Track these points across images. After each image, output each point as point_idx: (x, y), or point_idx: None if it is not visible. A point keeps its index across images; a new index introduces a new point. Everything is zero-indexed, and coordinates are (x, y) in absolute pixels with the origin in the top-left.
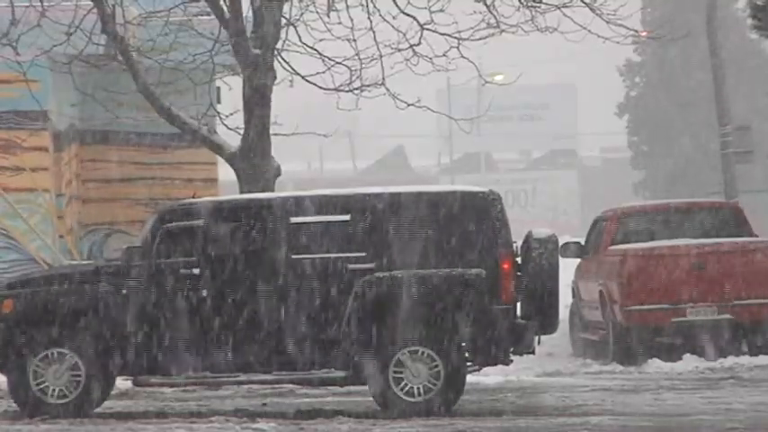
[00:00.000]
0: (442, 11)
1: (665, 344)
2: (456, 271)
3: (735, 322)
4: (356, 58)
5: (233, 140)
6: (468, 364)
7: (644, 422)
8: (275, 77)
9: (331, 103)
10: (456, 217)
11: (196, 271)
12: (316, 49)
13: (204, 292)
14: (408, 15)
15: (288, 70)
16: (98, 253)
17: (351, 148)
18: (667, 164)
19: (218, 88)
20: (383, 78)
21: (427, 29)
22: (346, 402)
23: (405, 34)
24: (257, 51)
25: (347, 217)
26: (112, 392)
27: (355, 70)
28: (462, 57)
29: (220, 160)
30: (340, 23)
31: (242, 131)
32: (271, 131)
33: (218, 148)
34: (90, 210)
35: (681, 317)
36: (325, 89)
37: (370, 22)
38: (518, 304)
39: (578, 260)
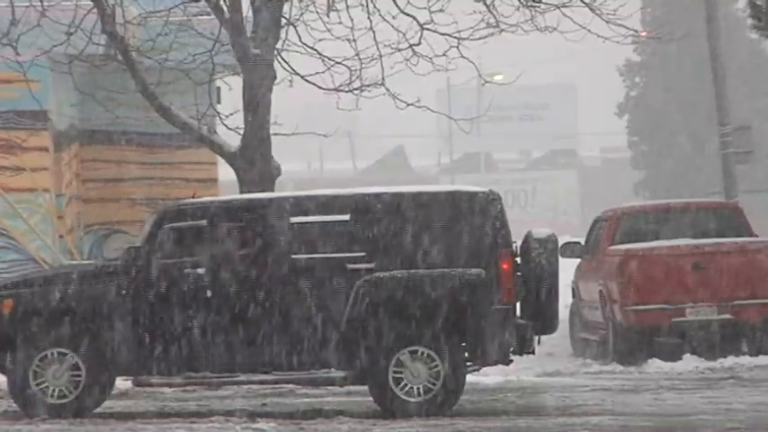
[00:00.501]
0: (441, 11)
1: (665, 344)
2: (456, 271)
3: (735, 322)
4: (356, 58)
5: (233, 140)
6: (468, 364)
7: (644, 422)
8: (275, 77)
9: (331, 103)
10: (456, 217)
11: (200, 271)
12: (315, 49)
13: (208, 293)
14: (408, 15)
15: (288, 70)
16: (98, 253)
17: (351, 148)
18: (667, 164)
19: (218, 88)
20: (383, 78)
21: (427, 29)
22: (346, 402)
23: (405, 34)
24: (257, 51)
25: (347, 217)
26: (112, 392)
27: (355, 70)
28: (462, 57)
29: (220, 160)
30: (340, 23)
31: (242, 131)
32: (271, 131)
33: (218, 148)
34: (90, 210)
35: (681, 317)
36: (325, 89)
37: (370, 22)
38: (518, 304)
39: (578, 260)
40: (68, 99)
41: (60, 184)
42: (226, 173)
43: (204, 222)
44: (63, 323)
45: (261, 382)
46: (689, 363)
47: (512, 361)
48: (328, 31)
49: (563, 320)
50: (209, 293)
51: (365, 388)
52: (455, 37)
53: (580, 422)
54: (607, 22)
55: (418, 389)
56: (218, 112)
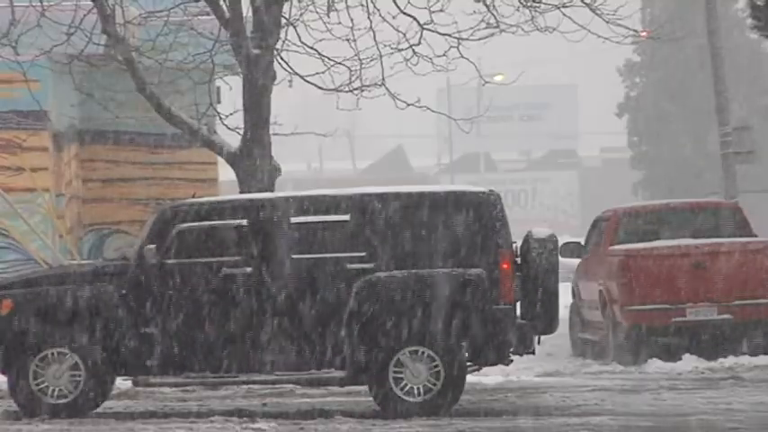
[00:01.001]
0: (441, 11)
1: (665, 344)
2: (456, 271)
3: (735, 322)
4: (356, 58)
5: (233, 140)
6: (468, 364)
7: (644, 422)
8: (275, 77)
9: (331, 103)
10: (456, 217)
11: (207, 270)
12: (315, 49)
13: (210, 292)
14: (408, 15)
15: (288, 70)
16: (98, 253)
17: (350, 148)
18: (667, 164)
19: (219, 88)
20: (383, 78)
21: (427, 29)
22: (346, 402)
23: (405, 34)
24: (257, 51)
25: (346, 217)
26: (112, 392)
27: (355, 70)
28: (462, 57)
29: (220, 160)
30: (340, 23)
31: (242, 131)
32: (271, 131)
33: (218, 148)
34: (90, 210)
35: (681, 317)
36: (324, 89)
37: (370, 22)
38: (518, 304)
39: (577, 260)
40: (68, 99)
41: (60, 184)
42: (226, 173)
43: (207, 224)
44: (63, 323)
45: (261, 382)
46: (689, 363)
47: (512, 361)
48: (328, 31)
49: (563, 320)
50: (214, 293)
51: (365, 388)
52: (455, 37)
53: (580, 422)
54: (607, 22)
55: (418, 389)
56: (218, 112)
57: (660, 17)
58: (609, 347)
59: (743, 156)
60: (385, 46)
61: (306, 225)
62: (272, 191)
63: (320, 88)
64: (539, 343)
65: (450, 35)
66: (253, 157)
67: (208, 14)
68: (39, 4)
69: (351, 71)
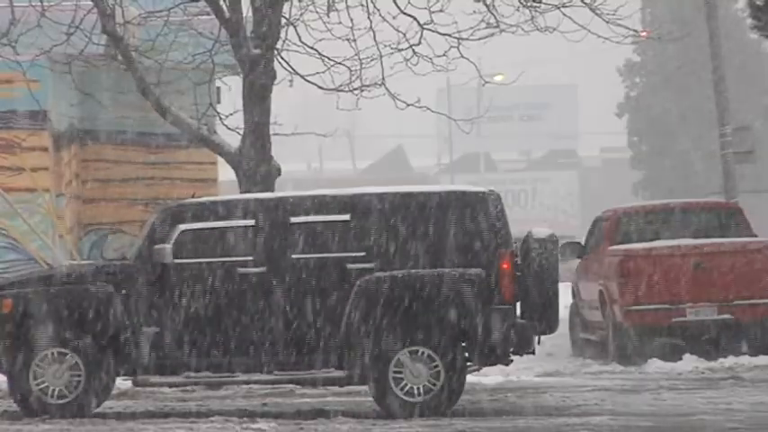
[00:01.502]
0: (441, 11)
1: (665, 344)
2: (456, 271)
3: (735, 322)
4: (356, 58)
5: (233, 140)
6: (468, 364)
7: (644, 422)
8: (275, 77)
9: (331, 103)
10: (456, 217)
11: (209, 270)
12: (316, 49)
13: (212, 292)
14: (408, 15)
15: (288, 70)
16: (98, 253)
17: (351, 148)
18: (667, 164)
19: (218, 88)
20: (383, 78)
21: (427, 29)
22: (346, 402)
23: (405, 34)
24: (257, 51)
25: (347, 217)
26: (112, 392)
27: (355, 70)
28: (462, 57)
29: (220, 160)
30: (340, 23)
31: (242, 131)
32: (271, 131)
33: (218, 148)
34: (90, 210)
35: (681, 317)
36: (325, 89)
37: (370, 22)
38: (518, 304)
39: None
40: (68, 99)
41: (60, 184)
42: (226, 173)
43: (209, 223)
44: (64, 323)
45: (261, 382)
46: (689, 363)
47: (512, 361)
48: (328, 31)
49: (563, 320)
50: (216, 293)
51: (365, 388)
52: (455, 37)
53: (580, 422)
54: (607, 22)
55: (418, 389)
56: (218, 112)
57: (660, 17)
58: (609, 347)
59: (743, 156)
60: (385, 46)
61: (306, 225)
62: (272, 191)
63: (320, 88)
64: (539, 343)
65: (450, 35)
66: (253, 157)
67: (208, 14)
68: (39, 4)
69: (351, 71)
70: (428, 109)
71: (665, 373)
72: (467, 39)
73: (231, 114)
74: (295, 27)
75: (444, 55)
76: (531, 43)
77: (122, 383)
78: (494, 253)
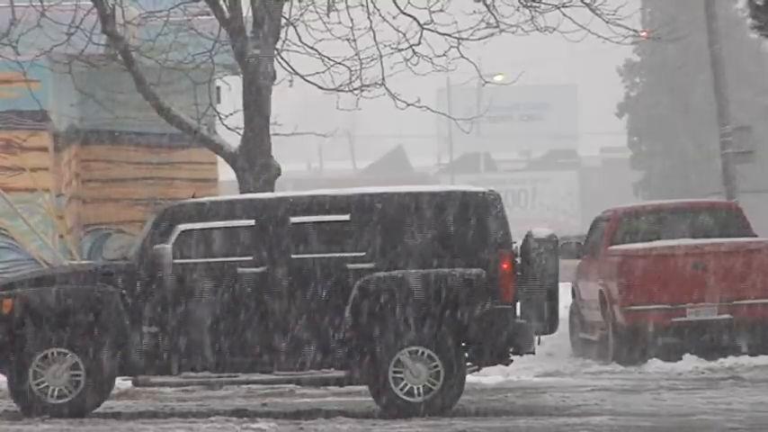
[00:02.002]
0: (441, 11)
1: (665, 344)
2: (456, 271)
3: (735, 322)
4: (356, 58)
5: (233, 140)
6: (468, 364)
7: (644, 422)
8: (275, 77)
9: (331, 103)
10: (456, 217)
11: (208, 270)
12: (316, 49)
13: (211, 292)
14: (408, 15)
15: (288, 70)
16: (98, 253)
17: (351, 148)
18: (667, 164)
19: (218, 88)
20: (383, 78)
21: (427, 29)
22: (346, 402)
23: (405, 34)
24: (257, 51)
25: (347, 217)
26: (112, 392)
27: (355, 70)
28: (462, 57)
29: (220, 160)
30: (340, 23)
31: (242, 131)
32: (271, 131)
33: (218, 148)
34: (90, 210)
35: (681, 317)
36: (325, 89)
37: (370, 22)
38: (518, 304)
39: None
40: (68, 99)
41: (60, 184)
42: (226, 173)
43: (211, 223)
44: (64, 323)
45: (261, 382)
46: (689, 363)
47: (512, 361)
48: (328, 31)
49: (563, 320)
50: (217, 293)
51: (365, 388)
52: (455, 37)
53: (580, 422)
54: (607, 22)
55: (418, 389)
56: (218, 112)
57: (660, 17)
58: (609, 347)
59: (743, 156)
60: (385, 46)
61: (306, 225)
62: (272, 191)
63: (320, 88)
64: (539, 343)
65: (450, 35)
66: (253, 157)
67: (208, 14)
68: (39, 4)
69: (351, 71)
70: (428, 109)
71: (665, 373)
72: (467, 39)
73: (231, 114)
74: (295, 27)
75: (444, 55)
76: (531, 43)
77: (122, 383)
78: (494, 253)
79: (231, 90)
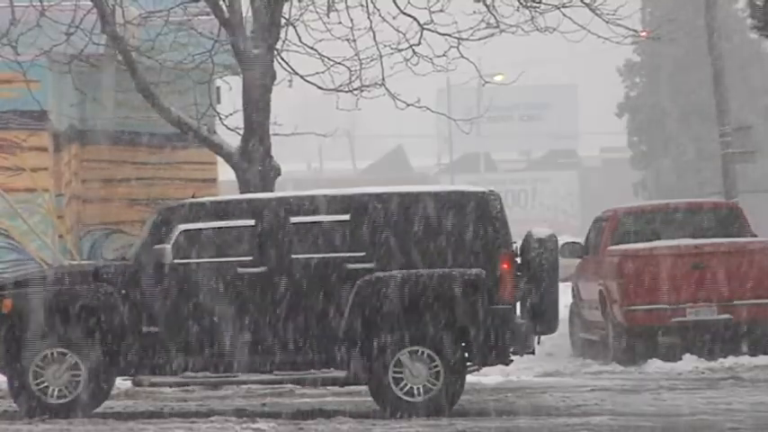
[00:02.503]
0: (441, 11)
1: (665, 344)
2: (456, 271)
3: (735, 322)
4: (356, 58)
5: (233, 140)
6: (468, 364)
7: (644, 422)
8: (275, 77)
9: (331, 103)
10: (456, 217)
11: (208, 270)
12: (315, 49)
13: (211, 292)
14: (408, 15)
15: (288, 70)
16: (98, 253)
17: (351, 148)
18: (667, 164)
19: (218, 88)
20: (383, 78)
21: (427, 29)
22: (346, 402)
23: (405, 34)
24: (257, 51)
25: (347, 217)
26: (112, 392)
27: (355, 70)
28: (462, 57)
29: (220, 160)
30: (340, 23)
31: (242, 131)
32: (271, 131)
33: (218, 148)
34: (90, 210)
35: (681, 317)
36: (324, 89)
37: (370, 22)
38: (518, 304)
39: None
40: (68, 99)
41: (60, 184)
42: (226, 173)
43: (209, 224)
44: (64, 323)
45: (261, 382)
46: (689, 363)
47: (512, 361)
48: (328, 31)
49: (563, 320)
50: (217, 293)
51: (365, 388)
52: (455, 37)
53: (580, 422)
54: (607, 22)
55: (418, 389)
56: (218, 112)
57: (660, 17)
58: (609, 347)
59: (743, 156)
60: (385, 46)
61: (306, 225)
62: (272, 191)
63: (320, 88)
64: (539, 343)
65: (450, 35)
66: (253, 158)
67: (208, 14)
68: (39, 4)
69: (351, 71)
70: (428, 109)
71: (665, 373)
72: (467, 39)
73: (231, 114)
74: (295, 27)
75: (444, 55)
76: (531, 43)
77: (122, 383)
78: (494, 253)
79: (231, 90)
